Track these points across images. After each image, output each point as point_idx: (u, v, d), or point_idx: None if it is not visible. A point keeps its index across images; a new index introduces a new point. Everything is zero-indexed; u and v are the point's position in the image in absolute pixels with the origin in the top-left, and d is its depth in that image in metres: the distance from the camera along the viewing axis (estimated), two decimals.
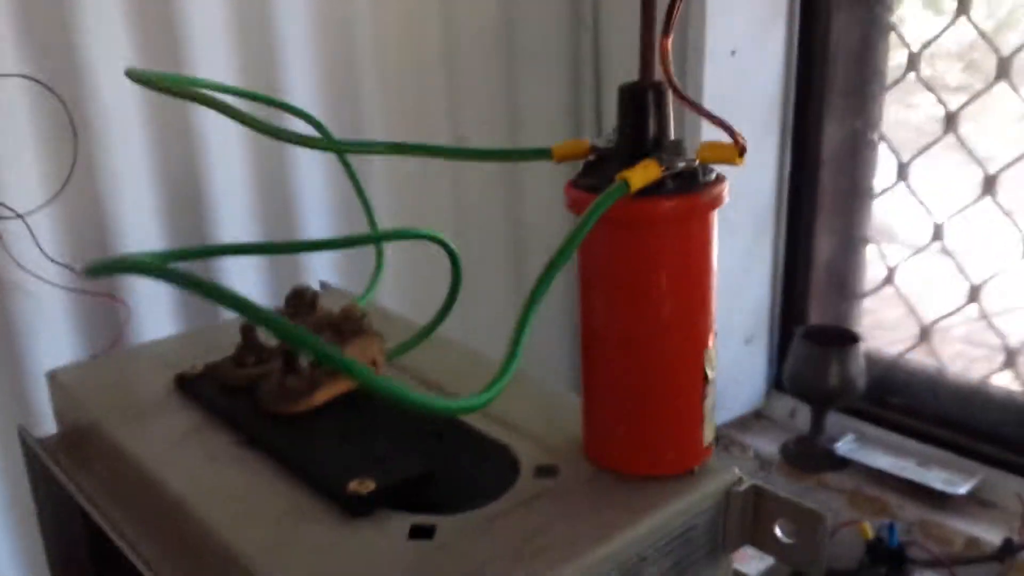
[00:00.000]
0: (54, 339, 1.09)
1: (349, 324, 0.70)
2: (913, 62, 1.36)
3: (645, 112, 0.56)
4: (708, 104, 1.29)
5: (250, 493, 0.61)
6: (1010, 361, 1.35)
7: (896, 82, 1.39)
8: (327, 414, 0.69)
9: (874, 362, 1.43)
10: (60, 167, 1.04)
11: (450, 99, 1.36)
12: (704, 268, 0.58)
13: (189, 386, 0.74)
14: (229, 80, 1.12)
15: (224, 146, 1.15)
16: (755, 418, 1.55)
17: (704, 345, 0.59)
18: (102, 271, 0.47)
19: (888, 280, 1.47)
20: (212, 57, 1.11)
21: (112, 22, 1.05)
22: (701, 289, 0.58)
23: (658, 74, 0.57)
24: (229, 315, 1.15)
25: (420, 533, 0.56)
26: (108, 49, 1.04)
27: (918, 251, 1.42)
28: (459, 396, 0.72)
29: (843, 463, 1.40)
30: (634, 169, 0.53)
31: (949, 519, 1.28)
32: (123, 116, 1.07)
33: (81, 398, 0.75)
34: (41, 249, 1.00)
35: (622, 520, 0.57)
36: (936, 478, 1.33)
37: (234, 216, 1.18)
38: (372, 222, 0.84)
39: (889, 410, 1.45)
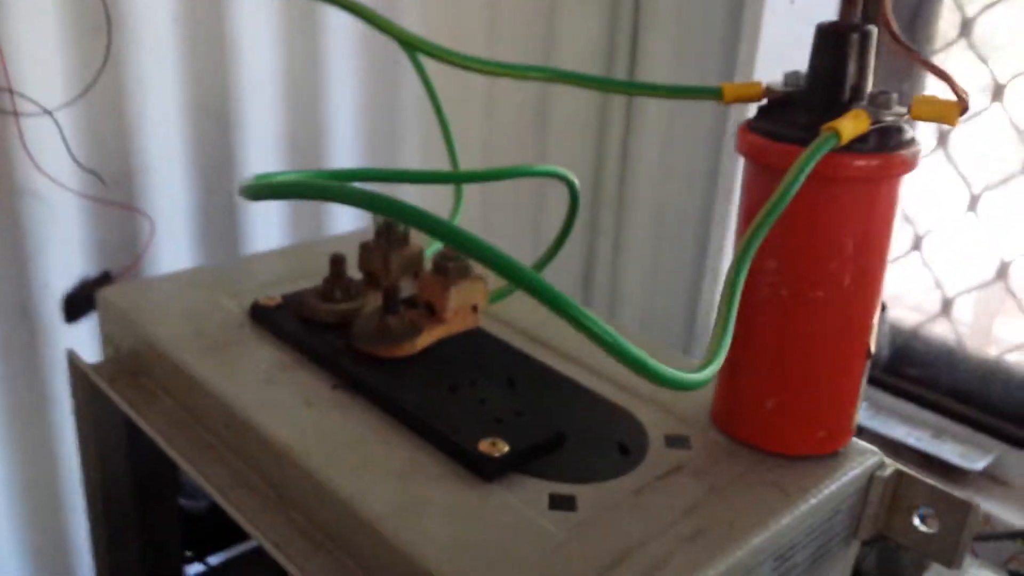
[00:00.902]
0: (66, 253, 1.00)
1: (455, 264, 0.64)
2: (967, 26, 1.32)
3: (846, 55, 0.51)
4: (764, 51, 1.25)
5: (362, 444, 0.55)
6: None
7: (948, 44, 1.34)
8: (428, 360, 0.63)
9: (893, 332, 1.41)
10: (86, 65, 0.94)
11: (487, 42, 1.28)
12: (887, 233, 0.53)
13: (265, 317, 0.68)
14: None
15: (256, 55, 1.06)
16: None
17: (873, 315, 0.55)
18: (265, 193, 0.40)
19: (915, 247, 1.44)
20: None
21: None
22: (881, 255, 0.53)
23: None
24: (273, 243, 1.09)
25: (561, 504, 0.51)
26: None
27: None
28: (572, 348, 0.68)
29: (858, 431, 1.38)
30: (843, 119, 0.48)
31: (964, 494, 1.28)
32: (157, 15, 0.98)
33: (143, 322, 0.68)
34: (71, 153, 0.91)
35: (779, 504, 0.53)
36: (952, 452, 1.32)
37: (261, 129, 1.10)
38: (453, 155, 0.78)
39: (906, 381, 1.43)
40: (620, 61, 1.40)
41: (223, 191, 1.08)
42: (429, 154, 1.23)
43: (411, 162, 1.24)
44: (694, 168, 1.38)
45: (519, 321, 0.71)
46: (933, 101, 0.49)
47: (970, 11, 1.24)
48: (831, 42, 0.51)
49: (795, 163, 0.47)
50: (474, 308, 0.66)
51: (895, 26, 0.50)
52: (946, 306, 1.42)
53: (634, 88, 0.53)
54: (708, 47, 1.31)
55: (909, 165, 0.51)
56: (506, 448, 0.53)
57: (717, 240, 1.35)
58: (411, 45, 0.58)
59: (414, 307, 0.65)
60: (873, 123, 0.49)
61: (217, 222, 1.07)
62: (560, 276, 1.47)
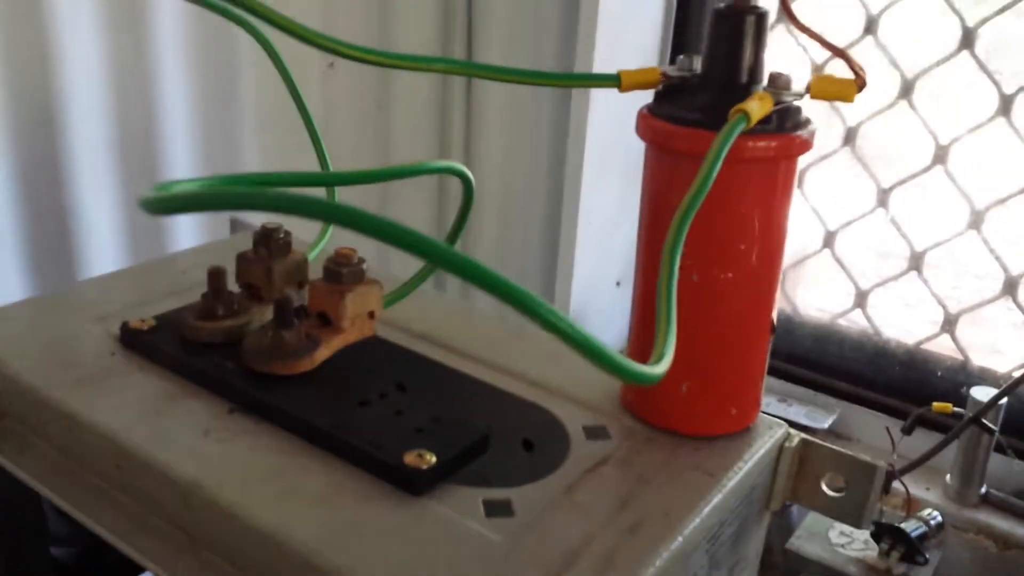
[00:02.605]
0: None
1: (348, 269, 0.61)
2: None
3: (742, 38, 0.52)
4: (601, 30, 1.27)
5: (277, 471, 0.51)
6: (860, 302, 1.43)
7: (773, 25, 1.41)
8: (329, 374, 0.59)
9: None
10: None
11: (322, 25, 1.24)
12: (787, 211, 0.54)
13: (139, 342, 0.62)
14: None
15: (79, 53, 0.98)
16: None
17: (776, 289, 0.56)
18: (175, 205, 0.36)
19: None
20: None
21: None
22: (783, 232, 0.55)
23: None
24: (112, 262, 1.01)
25: (498, 510, 0.50)
26: None
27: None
28: (474, 349, 0.66)
29: None
30: (750, 101, 0.48)
31: None
32: None
33: (4, 358, 0.61)
34: None
35: (707, 488, 0.53)
36: (799, 413, 1.40)
37: (88, 133, 1.01)
38: (323, 159, 0.74)
39: None
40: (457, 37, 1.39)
41: (52, 211, 0.99)
42: (270, 154, 1.18)
43: (252, 163, 1.18)
44: (538, 163, 1.39)
45: (414, 324, 0.69)
46: (831, 80, 0.50)
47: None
48: (728, 25, 0.52)
49: (712, 146, 0.47)
50: (371, 315, 0.63)
51: (792, 8, 0.51)
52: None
53: (529, 76, 0.52)
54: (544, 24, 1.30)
55: (808, 144, 0.52)
56: (433, 459, 0.51)
57: (568, 235, 1.36)
58: (308, 40, 0.54)
59: (305, 318, 0.62)
60: (776, 104, 0.50)
61: (47, 243, 0.99)
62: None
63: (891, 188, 1.32)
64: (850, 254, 1.42)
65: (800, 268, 1.47)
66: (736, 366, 0.56)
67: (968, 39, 1.20)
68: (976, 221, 1.26)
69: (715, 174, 0.47)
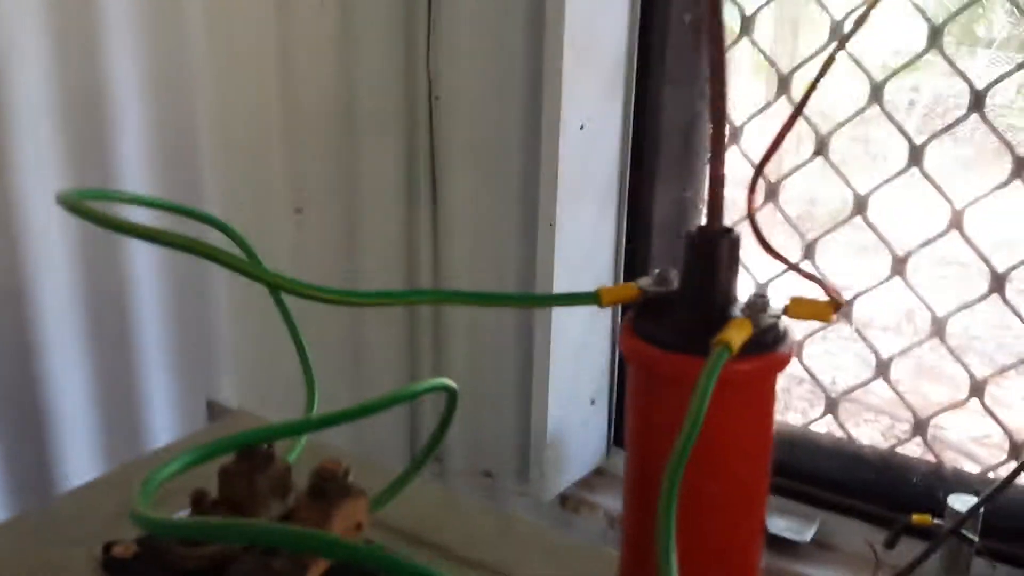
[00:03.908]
0: None
1: (333, 485, 0.60)
2: (735, 136, 1.41)
3: (718, 260, 0.53)
4: (563, 176, 1.30)
5: None
6: (831, 408, 1.44)
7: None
8: None
9: None
10: None
11: (288, 172, 1.25)
12: (771, 420, 0.55)
13: (123, 572, 0.61)
14: (58, 173, 0.96)
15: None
16: (597, 475, 1.55)
17: (766, 494, 0.56)
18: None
19: None
20: (38, 143, 0.94)
21: None
22: (768, 440, 0.55)
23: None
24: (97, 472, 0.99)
25: None
26: None
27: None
28: (445, 547, 0.65)
29: None
30: (729, 331, 0.49)
31: (799, 565, 1.35)
32: None
33: None
34: None
35: None
36: (779, 526, 1.39)
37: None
38: (307, 365, 0.74)
39: None
40: (423, 189, 1.41)
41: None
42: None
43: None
44: (507, 285, 1.40)
45: (402, 524, 0.68)
46: (809, 303, 0.52)
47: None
48: (702, 249, 0.53)
49: (698, 384, 0.48)
50: (358, 526, 0.62)
51: (763, 233, 0.52)
52: None
53: (517, 300, 0.53)
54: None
55: (786, 360, 0.53)
56: None
57: (541, 356, 1.37)
58: (275, 286, 0.54)
59: None
60: (755, 328, 0.51)
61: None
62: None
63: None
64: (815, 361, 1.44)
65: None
66: (732, 567, 0.56)
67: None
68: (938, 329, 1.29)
69: (704, 411, 0.47)
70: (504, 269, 1.40)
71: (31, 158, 0.93)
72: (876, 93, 1.23)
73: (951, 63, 1.19)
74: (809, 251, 1.35)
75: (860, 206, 1.28)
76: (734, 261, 0.53)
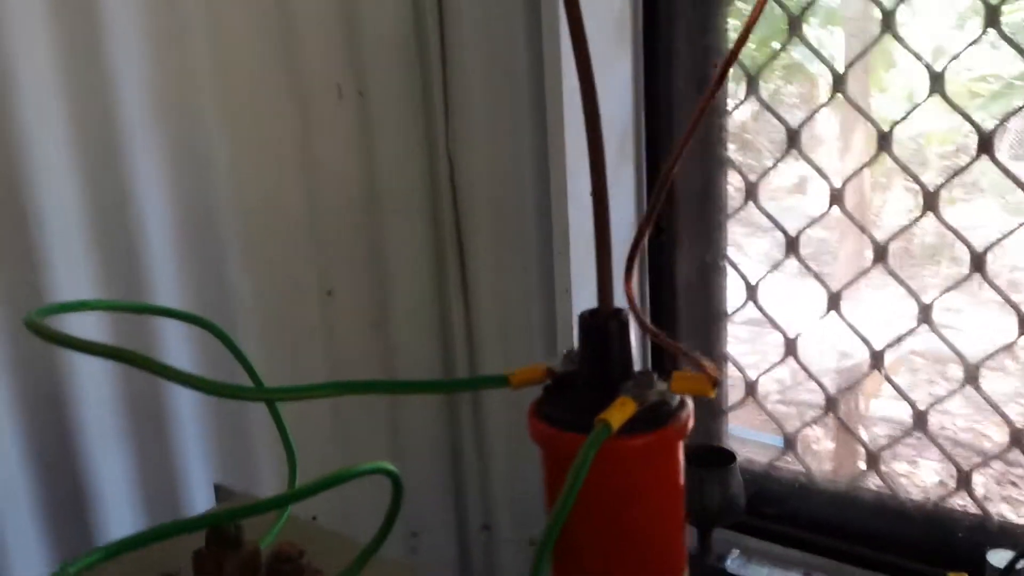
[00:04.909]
0: None
1: (288, 566, 0.65)
2: (751, 192, 1.43)
3: (608, 341, 0.56)
4: (574, 243, 1.33)
5: None
6: (872, 463, 1.42)
7: (737, 210, 1.46)
8: None
9: (745, 473, 1.47)
10: None
11: (316, 255, 1.32)
12: (676, 491, 0.57)
13: None
14: (88, 274, 1.04)
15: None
16: None
17: (682, 566, 0.58)
18: None
19: (750, 393, 1.52)
20: (68, 248, 1.03)
21: None
22: (675, 512, 0.57)
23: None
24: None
25: None
26: None
27: (773, 366, 1.49)
28: None
29: None
30: (612, 410, 0.52)
31: None
32: None
33: None
34: None
35: None
36: None
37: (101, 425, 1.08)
38: (293, 464, 0.79)
39: (766, 520, 1.49)
40: (451, 268, 1.46)
41: (64, 483, 1.05)
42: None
43: None
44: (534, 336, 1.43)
45: None
46: (689, 377, 0.54)
47: None
48: (593, 330, 0.56)
49: (576, 459, 0.51)
50: None
51: (642, 315, 0.55)
52: None
53: (422, 387, 0.57)
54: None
55: (682, 432, 0.55)
56: None
57: None
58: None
59: None
60: (639, 405, 0.53)
61: (61, 513, 1.05)
62: None
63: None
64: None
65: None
66: None
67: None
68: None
69: (578, 485, 0.50)
70: (532, 333, 1.43)
71: (63, 272, 1.01)
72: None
73: None
74: None
75: None
76: (624, 341, 0.56)
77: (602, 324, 0.56)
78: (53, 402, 1.03)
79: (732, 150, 1.44)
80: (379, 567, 0.75)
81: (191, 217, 1.17)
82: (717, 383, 0.53)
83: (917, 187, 1.23)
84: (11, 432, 1.00)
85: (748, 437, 2.01)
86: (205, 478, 1.13)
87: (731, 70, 1.31)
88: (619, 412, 0.52)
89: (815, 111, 1.41)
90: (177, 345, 1.11)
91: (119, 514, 1.09)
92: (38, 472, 1.02)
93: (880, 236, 1.31)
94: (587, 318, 0.56)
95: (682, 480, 0.58)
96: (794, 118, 1.34)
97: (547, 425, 0.56)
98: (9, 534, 1.00)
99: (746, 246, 1.49)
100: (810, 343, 1.42)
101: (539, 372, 0.59)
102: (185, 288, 1.16)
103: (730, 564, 1.44)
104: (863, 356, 1.37)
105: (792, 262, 1.39)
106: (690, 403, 0.57)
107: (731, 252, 1.47)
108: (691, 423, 0.56)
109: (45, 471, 1.02)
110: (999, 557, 1.17)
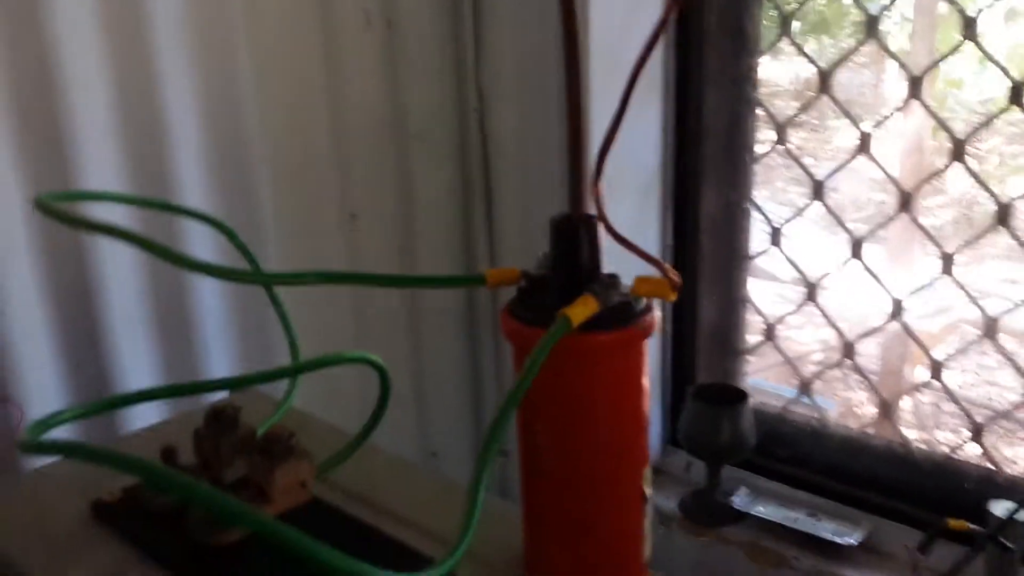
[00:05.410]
0: None
1: (278, 446, 0.69)
2: (780, 136, 1.43)
3: (578, 244, 0.58)
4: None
5: None
6: (886, 414, 1.43)
7: (765, 154, 1.46)
8: (259, 541, 0.67)
9: (759, 415, 1.49)
10: None
11: (341, 179, 1.36)
12: (639, 391, 0.60)
13: (107, 514, 0.72)
14: (117, 176, 1.09)
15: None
16: (653, 473, 1.58)
17: (643, 464, 0.61)
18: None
19: (768, 338, 1.54)
20: (100, 156, 1.07)
21: None
22: (637, 411, 0.60)
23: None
24: (132, 425, 1.12)
25: None
26: None
27: (792, 311, 1.50)
28: (390, 510, 0.73)
29: (740, 516, 1.45)
30: (574, 306, 0.55)
31: (844, 569, 1.34)
32: (6, 217, 1.02)
33: None
34: None
35: None
36: (827, 529, 1.39)
37: (127, 317, 1.14)
38: (295, 351, 0.83)
39: (777, 462, 1.51)
40: (477, 195, 1.49)
41: (92, 371, 1.11)
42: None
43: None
44: None
45: (355, 487, 0.76)
46: (651, 281, 0.57)
47: None
48: (564, 233, 0.59)
49: (535, 347, 0.54)
50: (303, 484, 0.71)
51: (609, 221, 0.57)
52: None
53: (401, 282, 0.60)
54: None
55: (644, 333, 0.58)
56: None
57: None
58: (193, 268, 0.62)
59: (245, 489, 0.70)
60: (602, 304, 0.56)
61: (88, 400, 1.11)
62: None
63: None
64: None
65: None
66: (606, 534, 0.61)
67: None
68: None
69: (534, 371, 0.53)
70: None
71: (96, 182, 1.06)
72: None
73: None
74: None
75: None
76: (593, 244, 0.58)
77: (572, 228, 0.58)
78: (82, 292, 1.09)
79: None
80: (371, 457, 0.80)
81: (220, 140, 1.20)
82: (677, 287, 0.56)
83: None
84: (42, 321, 1.06)
85: (770, 388, 2.02)
86: (223, 374, 1.18)
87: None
88: (581, 308, 0.55)
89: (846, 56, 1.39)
90: (197, 253, 1.16)
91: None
92: (66, 358, 1.08)
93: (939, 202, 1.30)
94: (558, 222, 0.59)
95: (645, 383, 0.60)
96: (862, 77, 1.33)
97: (515, 321, 0.59)
98: None
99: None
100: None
101: (514, 274, 0.62)
102: (213, 208, 1.20)
103: (737, 500, 1.46)
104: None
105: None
106: (656, 308, 0.59)
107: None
108: (655, 326, 0.58)
109: (72, 359, 1.09)
110: (1001, 507, 1.18)
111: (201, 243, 1.11)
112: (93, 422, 0.84)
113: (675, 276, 0.55)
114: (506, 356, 1.56)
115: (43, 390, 1.07)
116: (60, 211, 0.61)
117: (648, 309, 0.59)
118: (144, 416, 0.95)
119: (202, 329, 1.18)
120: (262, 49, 1.21)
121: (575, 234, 0.58)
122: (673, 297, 0.56)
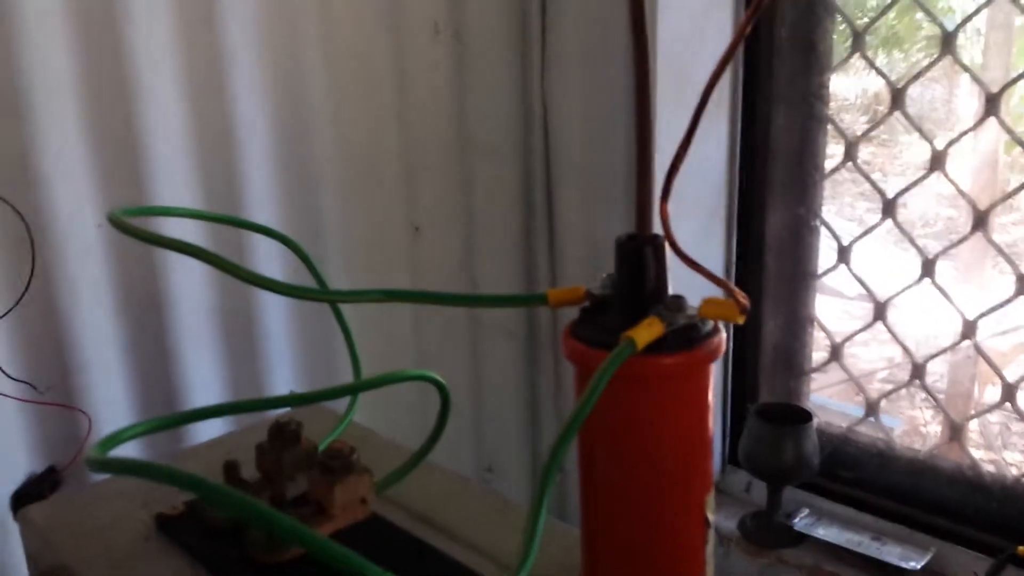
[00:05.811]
0: (9, 453, 1.05)
1: (338, 462, 0.69)
2: (850, 152, 1.40)
3: (644, 265, 0.57)
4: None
5: None
6: (955, 436, 1.39)
7: (834, 170, 1.43)
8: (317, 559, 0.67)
9: (823, 435, 1.46)
10: (15, 281, 1.01)
11: (406, 191, 1.36)
12: (703, 415, 0.59)
13: (169, 528, 0.73)
14: (190, 194, 1.11)
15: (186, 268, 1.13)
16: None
17: (706, 490, 0.60)
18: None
19: (834, 357, 1.51)
20: (172, 170, 1.10)
21: (71, 136, 1.03)
22: (702, 436, 0.59)
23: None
24: (196, 438, 1.14)
25: None
26: (67, 165, 1.02)
27: (860, 330, 1.46)
28: (447, 528, 0.72)
29: (800, 538, 1.42)
30: (639, 328, 0.54)
31: None
32: (81, 229, 1.05)
33: (56, 542, 0.73)
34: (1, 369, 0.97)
35: None
36: (891, 553, 1.36)
37: (190, 316, 1.16)
38: (357, 369, 0.84)
39: (841, 484, 1.48)
40: (539, 209, 1.48)
41: (159, 383, 1.13)
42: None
43: None
44: None
45: (413, 504, 0.76)
46: (718, 302, 0.55)
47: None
48: (630, 253, 0.58)
49: (598, 369, 0.53)
50: (363, 500, 0.71)
51: (677, 242, 0.56)
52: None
53: (464, 300, 0.60)
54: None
55: (710, 356, 0.57)
56: None
57: None
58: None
59: (305, 506, 0.70)
60: (668, 326, 0.55)
61: (154, 412, 1.13)
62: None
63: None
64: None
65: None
66: (668, 561, 0.60)
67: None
68: None
69: (598, 394, 0.52)
70: None
71: (167, 199, 1.08)
72: None
73: None
74: None
75: None
76: (660, 266, 0.57)
77: (638, 248, 0.57)
78: (152, 307, 1.11)
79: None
80: (429, 473, 0.80)
81: (289, 148, 1.22)
82: (745, 310, 0.54)
83: None
84: (112, 335, 1.08)
85: (833, 407, 1.98)
86: (286, 388, 1.20)
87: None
88: (646, 331, 0.54)
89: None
90: (265, 268, 1.18)
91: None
92: (135, 371, 1.10)
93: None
94: (624, 242, 0.58)
95: (710, 406, 0.59)
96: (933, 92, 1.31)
97: (577, 342, 0.58)
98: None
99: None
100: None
101: (577, 293, 0.61)
102: (280, 218, 1.22)
103: (798, 523, 1.43)
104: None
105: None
106: (723, 330, 0.58)
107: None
108: (722, 348, 0.57)
109: (140, 371, 1.11)
110: None
111: (267, 256, 1.12)
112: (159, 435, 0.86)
113: (743, 298, 0.54)
114: (564, 374, 1.55)
115: (112, 402, 1.10)
116: (132, 227, 0.62)
117: (715, 331, 0.57)
118: (209, 429, 0.96)
119: (267, 343, 1.19)
120: (333, 63, 1.22)
121: (641, 254, 0.57)
122: (741, 320, 0.55)
